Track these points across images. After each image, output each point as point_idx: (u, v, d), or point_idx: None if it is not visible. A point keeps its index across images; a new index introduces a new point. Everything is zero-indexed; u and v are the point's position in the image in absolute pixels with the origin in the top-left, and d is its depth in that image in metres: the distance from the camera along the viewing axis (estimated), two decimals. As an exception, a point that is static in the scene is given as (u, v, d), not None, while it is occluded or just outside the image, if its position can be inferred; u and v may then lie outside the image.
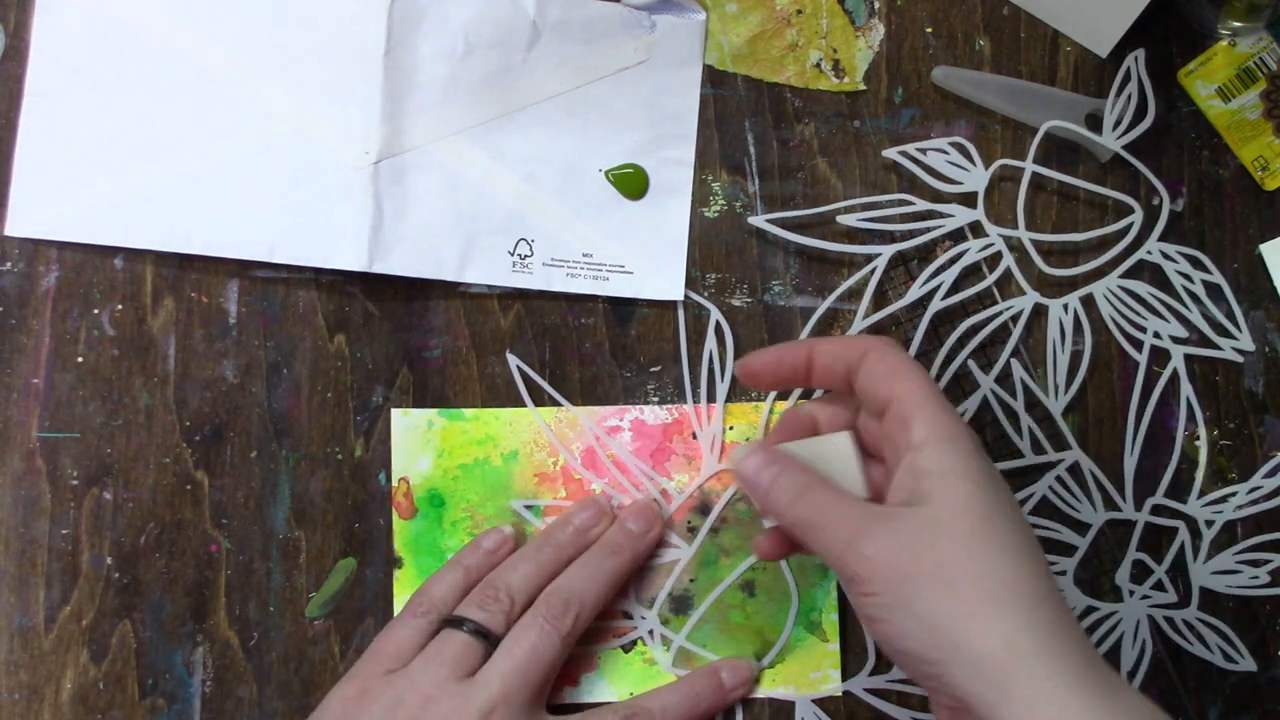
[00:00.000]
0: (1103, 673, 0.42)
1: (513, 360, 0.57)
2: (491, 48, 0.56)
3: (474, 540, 0.55)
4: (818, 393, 0.57)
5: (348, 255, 0.56)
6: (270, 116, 0.56)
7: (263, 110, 0.56)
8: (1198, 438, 0.58)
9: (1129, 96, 0.58)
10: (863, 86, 0.58)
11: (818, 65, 0.58)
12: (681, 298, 0.57)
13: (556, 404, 0.57)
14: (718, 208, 0.57)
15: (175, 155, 0.55)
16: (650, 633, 0.56)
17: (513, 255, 0.56)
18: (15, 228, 0.55)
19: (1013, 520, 0.44)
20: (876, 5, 0.58)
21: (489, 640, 0.51)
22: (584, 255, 0.57)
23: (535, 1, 0.56)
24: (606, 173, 0.57)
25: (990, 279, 0.57)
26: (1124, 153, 0.57)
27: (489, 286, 0.57)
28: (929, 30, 0.58)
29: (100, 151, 0.55)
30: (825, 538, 0.45)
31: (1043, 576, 0.43)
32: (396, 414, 0.56)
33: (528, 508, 0.56)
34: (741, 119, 0.58)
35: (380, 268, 0.56)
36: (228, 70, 0.56)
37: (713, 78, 0.58)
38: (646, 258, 0.57)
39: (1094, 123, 0.58)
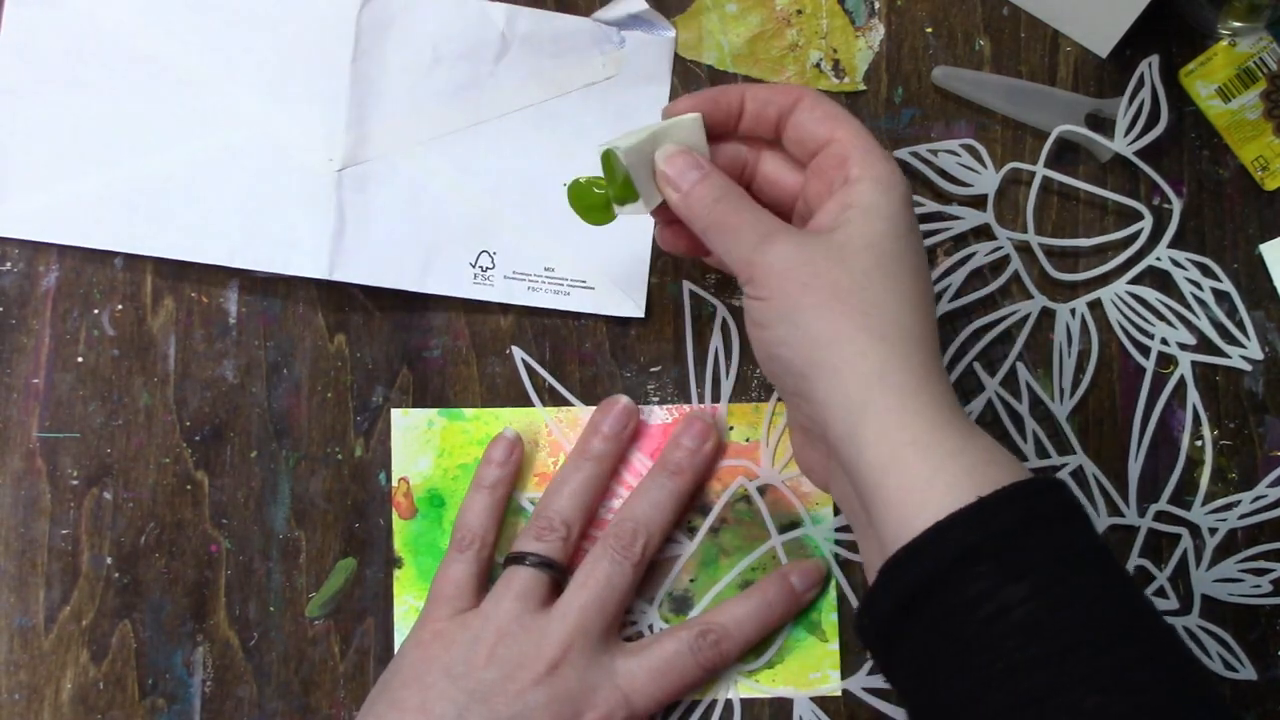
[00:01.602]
0: (961, 421, 0.43)
1: (518, 353, 0.57)
2: (460, 59, 0.56)
3: (484, 456, 0.55)
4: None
5: (307, 262, 0.55)
6: (235, 120, 0.56)
7: (228, 113, 0.56)
8: (1200, 438, 0.58)
9: (1141, 102, 0.57)
10: (863, 86, 0.58)
11: (818, 65, 0.58)
12: (642, 314, 0.57)
13: (560, 397, 0.57)
14: (718, 208, 0.57)
15: (138, 155, 0.56)
16: (650, 628, 0.56)
17: (474, 267, 0.56)
18: None
19: (916, 270, 0.45)
20: (876, 5, 0.58)
21: (554, 569, 0.52)
22: (545, 269, 0.56)
23: (504, 13, 0.56)
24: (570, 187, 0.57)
25: (998, 282, 0.57)
26: (1135, 158, 0.58)
27: (489, 286, 0.57)
28: (929, 30, 0.58)
29: (64, 151, 0.55)
30: (735, 239, 0.46)
31: (928, 328, 0.45)
32: (396, 414, 0.56)
33: (532, 502, 0.56)
34: (741, 119, 0.58)
35: (340, 276, 0.55)
36: (194, 72, 0.56)
37: (713, 78, 0.58)
38: (608, 273, 0.57)
39: (1094, 122, 0.58)
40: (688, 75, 0.58)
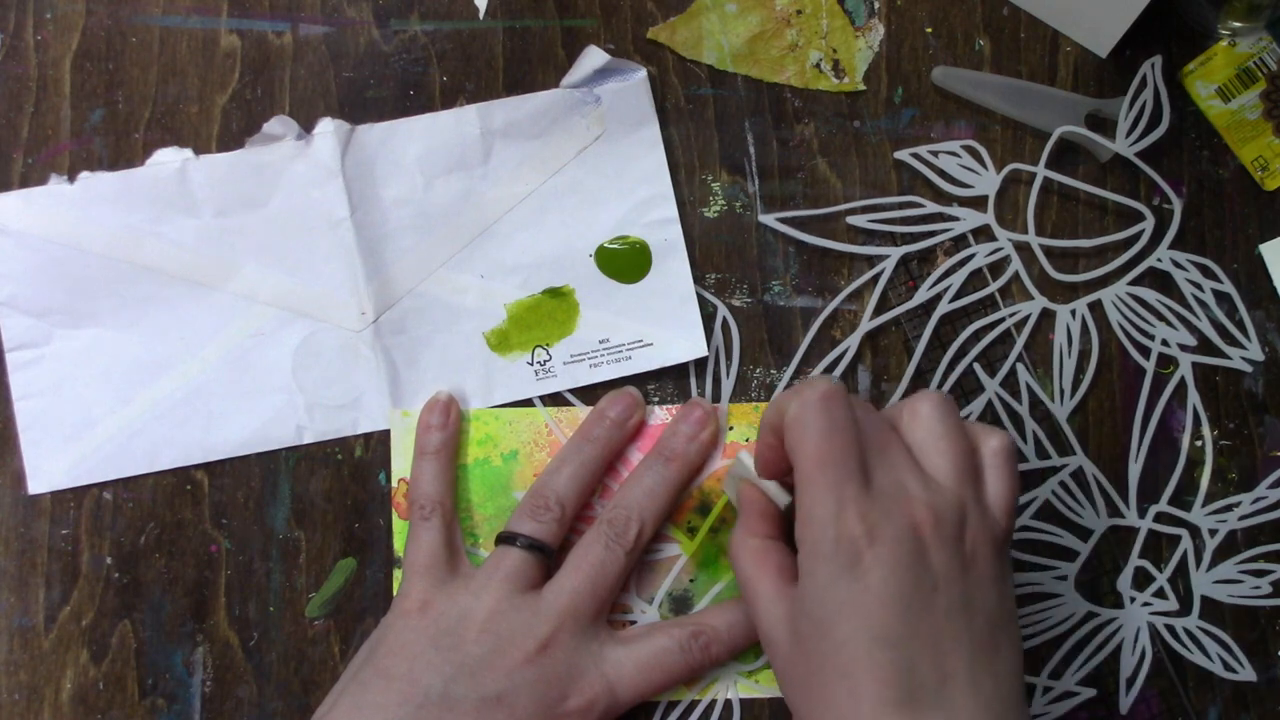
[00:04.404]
0: None
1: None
2: (449, 173, 0.56)
3: (422, 423, 0.55)
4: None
5: (374, 416, 0.56)
6: (256, 304, 0.55)
7: (247, 299, 0.55)
8: (1200, 439, 0.58)
9: (1143, 103, 0.58)
10: (863, 86, 0.58)
11: (818, 65, 0.58)
12: (705, 351, 0.57)
13: (560, 397, 0.57)
14: (717, 208, 0.57)
15: (174, 368, 0.55)
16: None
17: (532, 365, 0.56)
18: (37, 485, 0.55)
19: (881, 624, 0.43)
20: (876, 5, 0.58)
21: (543, 552, 0.52)
22: (600, 342, 0.56)
23: (477, 114, 0.56)
24: (594, 256, 0.57)
25: (998, 283, 0.57)
26: (1136, 159, 0.58)
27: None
28: (929, 30, 0.58)
29: (98, 387, 0.55)
30: (746, 600, 0.48)
31: (905, 673, 0.42)
32: (396, 415, 0.56)
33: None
34: (741, 119, 0.58)
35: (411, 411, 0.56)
36: (200, 270, 0.55)
37: (713, 78, 0.58)
38: (661, 325, 0.57)
39: (1094, 123, 0.58)
40: (688, 76, 0.58)
